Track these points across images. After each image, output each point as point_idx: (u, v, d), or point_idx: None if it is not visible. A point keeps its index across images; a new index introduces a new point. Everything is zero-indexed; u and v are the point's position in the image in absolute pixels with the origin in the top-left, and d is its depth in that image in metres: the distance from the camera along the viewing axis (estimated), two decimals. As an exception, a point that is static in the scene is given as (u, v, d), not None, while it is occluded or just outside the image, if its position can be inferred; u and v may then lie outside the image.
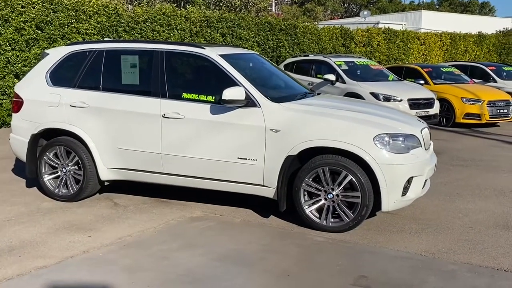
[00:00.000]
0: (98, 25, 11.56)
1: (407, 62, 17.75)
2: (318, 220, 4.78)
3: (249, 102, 4.93)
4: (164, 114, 5.18)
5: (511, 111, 12.18)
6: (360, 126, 4.73)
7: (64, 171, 5.68)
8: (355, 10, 64.27)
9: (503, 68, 15.20)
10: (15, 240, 4.53)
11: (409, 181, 4.67)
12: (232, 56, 5.45)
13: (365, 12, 39.92)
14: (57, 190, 5.72)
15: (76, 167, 5.63)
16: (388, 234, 4.73)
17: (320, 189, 4.75)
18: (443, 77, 13.33)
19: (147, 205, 5.61)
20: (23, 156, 5.91)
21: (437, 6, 69.45)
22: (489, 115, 11.78)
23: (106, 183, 5.75)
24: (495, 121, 12.03)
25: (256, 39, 14.40)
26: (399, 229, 4.88)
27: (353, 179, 4.59)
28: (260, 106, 4.93)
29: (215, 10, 14.33)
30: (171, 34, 12.83)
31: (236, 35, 13.98)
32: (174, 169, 5.27)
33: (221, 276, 3.82)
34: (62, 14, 10.98)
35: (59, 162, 5.69)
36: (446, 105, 11.95)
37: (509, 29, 23.59)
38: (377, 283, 3.69)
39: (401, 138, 4.69)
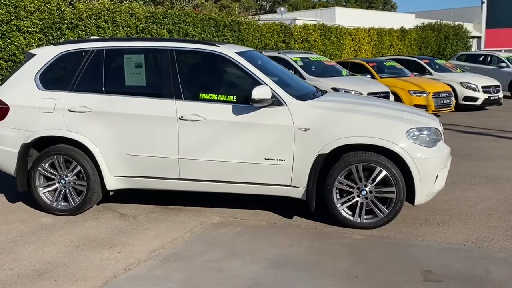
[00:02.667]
0: (40, 23, 10.70)
1: (352, 58, 18.27)
2: (351, 218, 4.75)
3: (275, 101, 4.78)
4: (181, 116, 4.88)
5: (452, 102, 12.94)
6: (392, 122, 4.77)
7: (63, 182, 5.18)
8: (267, 7, 65.15)
9: (435, 61, 16.11)
10: (38, 263, 4.06)
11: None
12: (246, 53, 5.26)
13: (282, 9, 40.51)
14: (55, 203, 5.21)
15: (76, 177, 5.16)
16: (419, 227, 4.80)
17: (353, 186, 4.72)
18: (386, 71, 13.86)
19: (157, 214, 5.28)
20: (9, 169, 5.33)
21: (344, 3, 72.29)
22: (434, 106, 12.43)
23: (111, 193, 5.33)
24: (439, 111, 12.71)
25: (202, 35, 14.11)
26: (425, 221, 4.97)
27: (388, 174, 4.61)
28: (286, 105, 4.79)
29: (144, 5, 13.78)
30: (117, 31, 12.20)
31: (182, 31, 13.61)
32: (193, 174, 4.99)
33: (290, 283, 3.67)
34: (0, 11, 10.03)
35: (56, 173, 5.18)
36: (394, 98, 12.42)
37: (425, 24, 25.05)
38: (447, 277, 3.72)
39: (427, 132, 4.78)
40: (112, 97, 5.08)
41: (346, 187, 4.73)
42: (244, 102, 4.85)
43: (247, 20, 15.75)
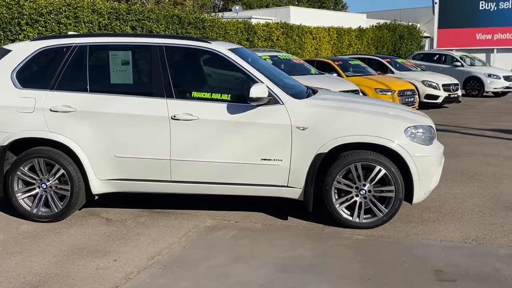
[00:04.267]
0: (-2, 17, 10.13)
1: (319, 56, 18.33)
2: (350, 218, 4.68)
3: (271, 99, 4.64)
4: (174, 116, 4.66)
5: (416, 100, 13.20)
6: (391, 120, 4.73)
7: (44, 187, 4.85)
8: (220, 5, 64.76)
9: (395, 60, 16.42)
10: (28, 275, 3.77)
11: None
12: (238, 50, 5.08)
13: (237, 7, 40.37)
14: (35, 210, 4.88)
15: (58, 181, 4.85)
16: (416, 225, 4.79)
17: (351, 186, 4.65)
18: (351, 69, 13.98)
19: (145, 218, 5.04)
20: (-17, 173, 4.94)
21: (296, 3, 72.94)
22: (400, 104, 12.62)
23: (96, 198, 5.04)
24: (404, 109, 12.92)
25: (166, 32, 13.78)
26: (420, 219, 4.97)
27: (387, 173, 4.57)
28: (283, 103, 4.66)
29: (106, 1, 13.32)
30: (79, 27, 11.72)
31: (146, 28, 13.24)
32: (186, 175, 4.78)
33: (304, 286, 3.55)
34: (-46, 4, 9.42)
35: (36, 177, 4.85)
36: (361, 96, 12.55)
37: (381, 23, 25.53)
38: (458, 276, 3.70)
39: (423, 130, 4.77)
40: (98, 96, 4.79)
41: (345, 187, 4.66)
42: (239, 101, 4.69)
43: (211, 17, 15.51)
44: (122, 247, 4.32)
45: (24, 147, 4.89)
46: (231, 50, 4.91)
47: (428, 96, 14.58)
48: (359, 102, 5.17)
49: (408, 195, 4.67)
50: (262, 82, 4.66)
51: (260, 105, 4.62)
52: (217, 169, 4.75)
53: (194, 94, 4.76)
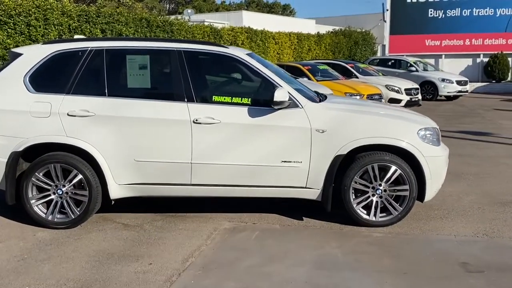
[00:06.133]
0: (-35, 19, 9.72)
1: (288, 61, 18.58)
2: (367, 217, 4.88)
3: (291, 103, 4.77)
4: (195, 120, 4.70)
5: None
6: (404, 122, 4.97)
7: (60, 193, 4.76)
8: (170, 8, 64.21)
9: (358, 65, 16.93)
10: (68, 282, 3.72)
11: (441, 171, 5.07)
12: (254, 55, 5.18)
13: (189, 11, 40.12)
14: (50, 216, 4.78)
15: (73, 186, 4.77)
16: (426, 222, 5.04)
17: (368, 186, 4.85)
18: (319, 74, 14.31)
19: (161, 222, 5.04)
20: (-6, 180, 4.80)
21: (246, 7, 73.46)
22: (369, 108, 13.05)
23: (112, 202, 4.99)
24: (372, 112, 13.36)
25: (135, 35, 13.62)
26: (427, 216, 5.23)
27: (402, 173, 4.80)
28: (302, 107, 4.80)
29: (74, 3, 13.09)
30: (49, 30, 11.40)
31: (116, 31, 13.04)
32: (206, 178, 4.83)
33: (349, 284, 3.70)
34: None
35: (52, 183, 4.75)
36: (331, 100, 12.88)
37: (337, 29, 26.20)
38: (484, 267, 3.96)
39: (431, 132, 5.04)
40: (117, 100, 4.76)
41: (362, 187, 4.85)
42: (259, 104, 4.80)
43: (178, 21, 15.46)
44: (151, 250, 4.32)
45: (35, 153, 4.79)
46: (248, 55, 5.01)
47: (392, 100, 15.13)
48: (369, 106, 5.39)
49: (419, 194, 4.92)
50: (281, 86, 4.78)
51: (281, 108, 4.74)
52: (237, 172, 4.82)
53: (215, 98, 4.83)
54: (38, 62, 4.82)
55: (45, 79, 4.84)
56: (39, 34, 11.10)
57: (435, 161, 4.87)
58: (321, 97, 5.35)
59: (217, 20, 36.17)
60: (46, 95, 4.75)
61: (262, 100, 4.81)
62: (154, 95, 4.88)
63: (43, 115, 4.70)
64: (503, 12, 26.73)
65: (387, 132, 4.83)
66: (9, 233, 4.69)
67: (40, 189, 4.78)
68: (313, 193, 4.90)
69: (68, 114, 4.70)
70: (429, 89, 20.00)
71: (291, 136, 4.79)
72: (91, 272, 3.88)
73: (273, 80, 4.85)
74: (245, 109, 4.78)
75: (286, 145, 4.80)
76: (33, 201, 4.76)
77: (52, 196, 4.78)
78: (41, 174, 4.73)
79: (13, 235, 4.64)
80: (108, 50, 4.88)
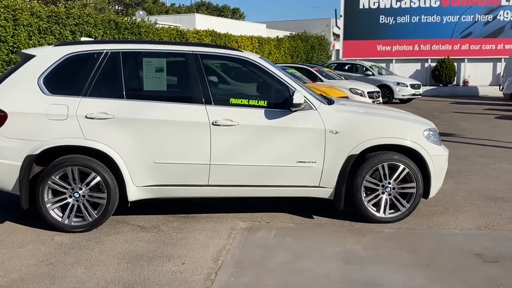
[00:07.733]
0: None
1: None
2: (377, 214, 5.12)
3: (306, 105, 4.95)
4: (214, 122, 4.79)
5: (350, 106, 14.11)
6: (411, 123, 5.26)
7: (77, 196, 4.72)
8: (117, 10, 63.05)
9: (322, 69, 17.37)
10: (108, 284, 3.73)
11: (443, 169, 5.39)
12: (265, 59, 5.32)
13: (141, 13, 39.61)
14: (67, 220, 4.73)
15: (90, 189, 4.74)
16: (430, 218, 5.34)
17: (378, 184, 5.09)
18: (288, 77, 14.56)
19: (177, 223, 5.09)
20: (7, 184, 4.70)
21: (196, 10, 73.17)
22: (337, 111, 13.43)
23: (129, 204, 4.98)
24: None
25: (104, 37, 13.41)
26: (429, 212, 5.53)
27: (410, 171, 5.07)
28: (316, 109, 4.99)
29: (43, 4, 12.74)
30: (18, 31, 11.05)
31: (85, 32, 12.79)
32: (224, 179, 4.92)
33: (382, 277, 3.89)
34: None
35: (68, 186, 4.70)
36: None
37: (294, 34, 26.72)
38: (497, 257, 4.27)
39: (434, 132, 5.36)
40: (135, 103, 4.78)
41: (372, 185, 5.09)
42: (275, 107, 4.95)
43: (145, 23, 15.33)
44: (178, 251, 4.37)
45: (49, 156, 4.72)
46: (262, 58, 5.15)
47: (356, 103, 15.61)
48: (375, 108, 5.67)
49: (424, 191, 5.21)
50: (295, 89, 4.95)
51: (297, 110, 4.90)
52: (253, 172, 4.95)
53: (232, 100, 4.93)
54: (53, 64, 4.76)
55: (60, 81, 4.78)
56: (9, 35, 10.75)
57: (439, 160, 5.17)
58: (330, 100, 5.56)
59: (170, 23, 35.94)
60: (62, 98, 4.70)
61: (277, 102, 4.97)
62: (172, 97, 4.92)
63: (60, 118, 4.65)
64: (449, 19, 28.06)
65: (397, 133, 5.09)
66: (26, 238, 4.60)
67: (55, 193, 4.72)
68: (326, 192, 5.09)
69: (86, 117, 4.67)
70: (385, 92, 20.72)
71: (306, 137, 4.96)
72: (127, 274, 3.89)
73: (288, 83, 5.02)
74: (261, 111, 4.91)
75: (301, 146, 4.97)
76: (49, 204, 4.69)
77: (69, 200, 4.72)
78: (57, 177, 4.67)
79: (30, 240, 4.56)
80: (124, 53, 4.89)
